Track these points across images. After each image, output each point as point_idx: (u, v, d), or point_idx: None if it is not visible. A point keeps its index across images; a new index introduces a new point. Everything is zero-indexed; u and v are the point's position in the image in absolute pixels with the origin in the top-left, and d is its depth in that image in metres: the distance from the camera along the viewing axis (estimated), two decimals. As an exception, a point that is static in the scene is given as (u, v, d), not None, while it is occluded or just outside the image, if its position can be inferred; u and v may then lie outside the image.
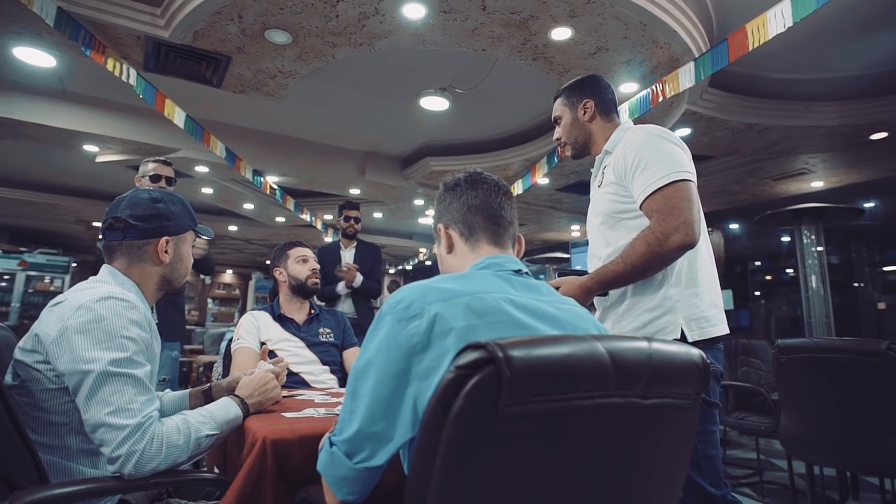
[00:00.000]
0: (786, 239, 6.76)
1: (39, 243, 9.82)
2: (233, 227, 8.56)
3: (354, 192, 6.40)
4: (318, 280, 2.18)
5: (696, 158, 5.23)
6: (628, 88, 3.81)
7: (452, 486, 0.57)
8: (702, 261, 1.48)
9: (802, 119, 4.17)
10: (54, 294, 6.99)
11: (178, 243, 1.29)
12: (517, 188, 5.54)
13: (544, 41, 3.25)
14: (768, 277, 7.29)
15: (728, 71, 3.78)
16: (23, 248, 9.34)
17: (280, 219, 7.92)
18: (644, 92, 3.57)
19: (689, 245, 1.34)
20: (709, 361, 0.72)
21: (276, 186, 5.92)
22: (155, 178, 2.61)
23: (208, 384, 1.49)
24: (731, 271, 7.28)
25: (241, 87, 3.94)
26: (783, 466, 4.35)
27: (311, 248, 2.27)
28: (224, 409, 1.20)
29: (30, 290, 8.73)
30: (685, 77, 3.27)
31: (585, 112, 1.62)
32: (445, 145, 5.55)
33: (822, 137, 4.45)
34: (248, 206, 7.26)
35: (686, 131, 4.33)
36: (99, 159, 5.47)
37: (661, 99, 3.45)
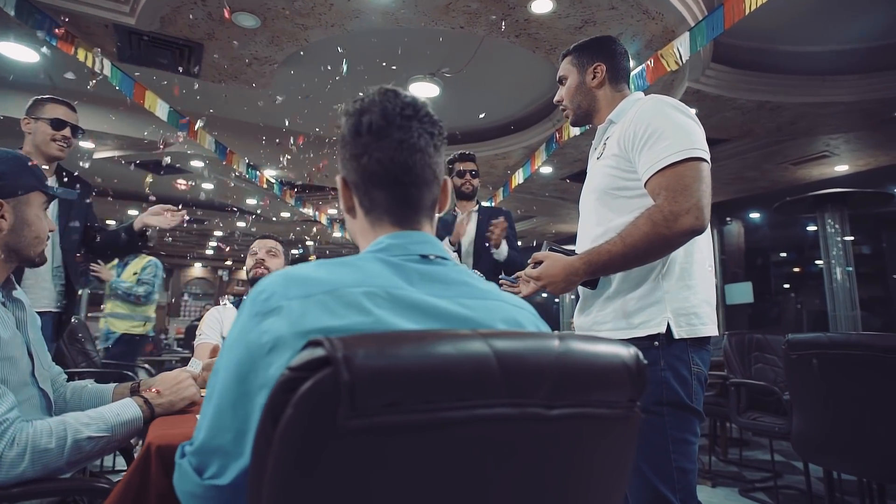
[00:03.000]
0: (812, 228, 6.39)
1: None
2: (241, 224, 8.56)
3: (355, 185, 6.26)
4: (261, 271, 2.05)
5: (708, 142, 5.01)
6: (623, 66, 3.56)
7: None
8: (699, 252, 1.32)
9: (818, 95, 3.85)
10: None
11: (18, 206, 1.15)
12: (518, 178, 5.34)
13: (525, 15, 3.04)
14: (796, 269, 6.92)
15: (733, 45, 3.51)
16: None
17: (285, 214, 7.88)
18: (639, 68, 3.34)
19: (699, 230, 1.19)
20: (645, 362, 0.60)
21: (273, 180, 5.84)
22: (58, 125, 2.06)
23: (138, 381, 1.37)
24: (752, 263, 6.92)
25: (220, 76, 3.84)
26: (802, 469, 4.04)
27: (276, 241, 2.17)
28: (119, 410, 1.08)
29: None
30: (681, 49, 3.03)
31: (595, 76, 1.44)
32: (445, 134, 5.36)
33: (842, 115, 4.11)
34: (252, 202, 7.22)
35: (691, 112, 4.05)
36: (96, 156, 5.46)
37: (657, 74, 3.21)
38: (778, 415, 3.66)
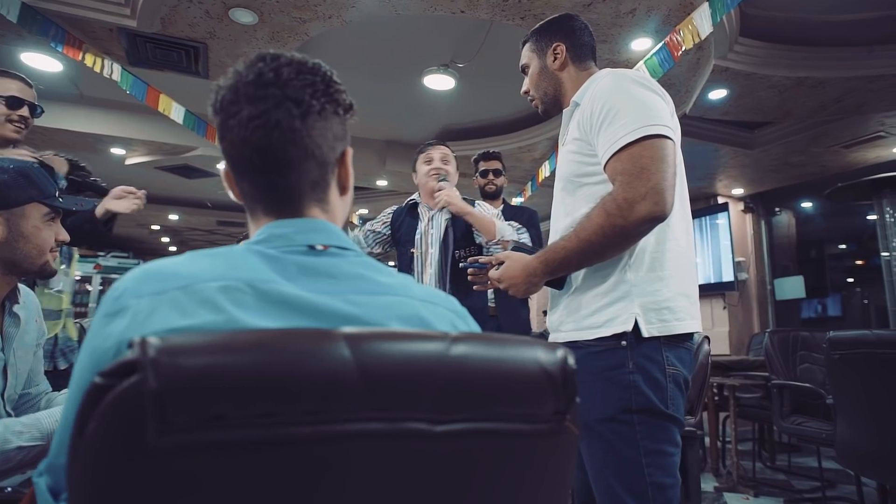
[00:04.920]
0: (874, 217, 5.88)
1: (112, 248, 10.49)
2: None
3: (381, 183, 6.24)
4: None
5: (746, 126, 4.67)
6: (641, 45, 3.33)
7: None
8: (673, 239, 1.19)
9: (865, 67, 3.48)
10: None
11: (12, 219, 1.12)
12: (544, 171, 5.13)
13: (527, -6, 2.87)
14: (859, 262, 6.40)
15: (763, 17, 3.22)
16: (100, 253, 10.02)
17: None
18: (660, 45, 3.10)
19: (659, 217, 1.07)
20: (573, 367, 0.51)
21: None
22: (14, 104, 1.85)
23: None
24: (805, 256, 6.43)
25: (229, 76, 3.84)
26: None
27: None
28: (60, 415, 1.05)
29: (105, 291, 9.34)
30: (701, 21, 2.79)
31: (555, 58, 1.35)
32: (464, 128, 5.24)
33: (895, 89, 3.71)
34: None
35: (722, 93, 3.76)
36: (127, 162, 5.63)
37: (680, 51, 2.97)
38: (826, 419, 3.36)
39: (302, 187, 0.64)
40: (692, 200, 5.54)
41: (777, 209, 6.35)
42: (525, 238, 2.15)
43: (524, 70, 1.43)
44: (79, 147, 5.23)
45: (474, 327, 0.69)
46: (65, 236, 1.24)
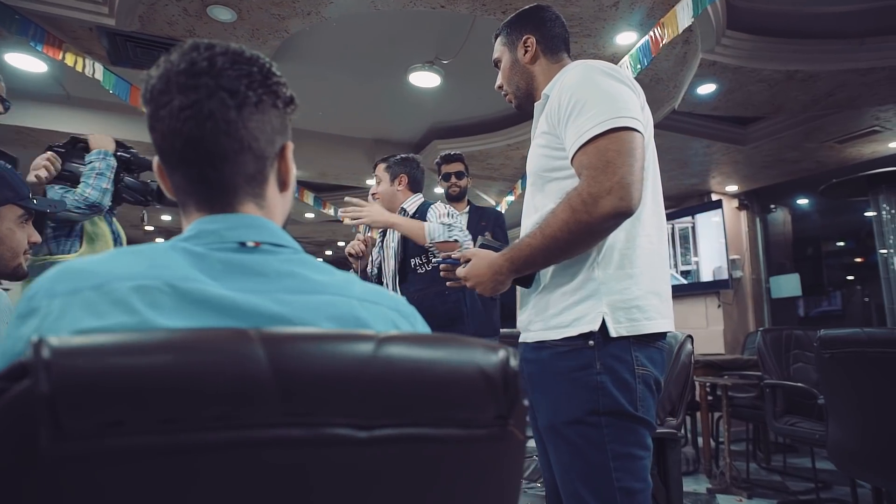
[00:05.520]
0: (872, 213, 5.81)
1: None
2: (271, 227, 8.63)
3: (371, 182, 6.17)
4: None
5: (737, 121, 4.60)
6: (626, 39, 3.28)
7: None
8: (644, 236, 1.17)
9: (857, 60, 3.41)
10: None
11: None
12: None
13: (506, -12, 2.82)
14: (858, 259, 6.33)
15: (751, 9, 3.17)
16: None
17: (309, 215, 7.89)
18: (643, 40, 3.05)
19: (625, 212, 1.04)
20: (515, 369, 0.49)
21: (288, 181, 5.81)
22: None
23: None
24: (801, 253, 6.37)
25: (212, 74, 3.80)
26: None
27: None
28: None
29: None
30: (683, 14, 2.74)
31: (526, 51, 1.33)
32: (453, 126, 5.19)
33: (890, 82, 3.64)
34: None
35: (711, 87, 3.70)
36: (117, 163, 5.59)
37: (661, 43, 2.93)
38: (819, 420, 3.32)
39: (236, 181, 0.61)
40: (684, 198, 5.47)
41: (772, 206, 6.29)
42: (460, 234, 2.11)
43: (496, 64, 1.41)
44: (66, 148, 5.19)
45: (421, 328, 0.66)
46: (37, 238, 1.24)
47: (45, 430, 0.36)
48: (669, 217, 6.17)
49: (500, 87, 1.41)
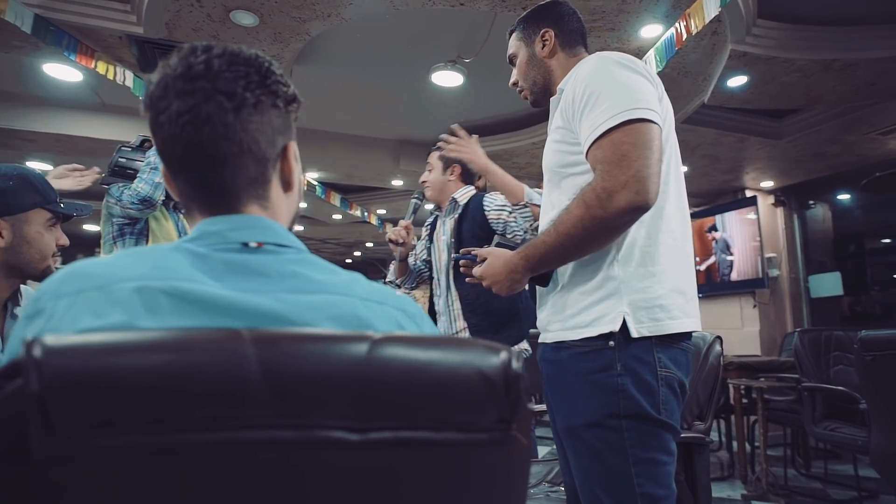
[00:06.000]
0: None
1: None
2: (299, 228, 8.79)
3: (396, 183, 6.21)
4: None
5: (772, 114, 4.44)
6: (651, 32, 3.19)
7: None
8: (668, 232, 1.13)
9: (899, 47, 3.25)
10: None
11: (16, 224, 1.17)
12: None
13: (526, -17, 2.78)
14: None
15: (783, -4, 3.05)
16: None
17: (337, 216, 7.97)
18: (669, 32, 2.97)
19: (641, 207, 1.01)
20: (518, 371, 0.47)
21: (315, 182, 5.88)
22: None
23: None
24: (843, 251, 6.11)
25: (237, 79, 3.86)
26: None
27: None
28: None
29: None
30: (710, 3, 2.65)
31: (544, 45, 1.31)
32: (477, 125, 5.13)
33: (935, 69, 3.46)
34: (302, 205, 7.35)
35: (742, 79, 3.57)
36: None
37: (685, 37, 2.84)
38: (862, 425, 3.18)
39: (238, 184, 0.61)
40: (717, 195, 5.32)
41: (811, 202, 6.05)
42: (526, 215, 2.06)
43: (511, 61, 1.39)
44: (103, 154, 5.34)
45: (427, 329, 0.64)
46: (65, 241, 1.27)
47: (35, 430, 0.36)
48: (700, 215, 6.00)
49: (515, 84, 1.40)
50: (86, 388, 0.37)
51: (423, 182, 2.26)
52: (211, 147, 0.59)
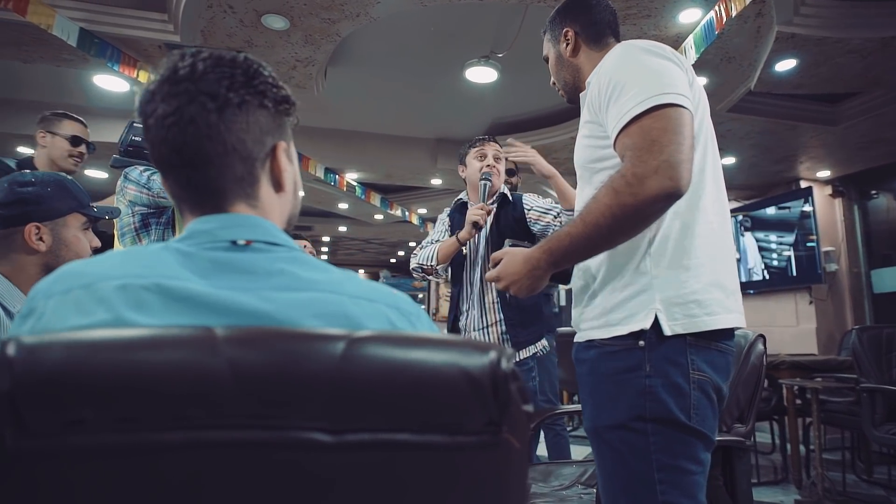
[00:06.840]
0: None
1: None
2: (342, 228, 8.93)
3: (436, 182, 6.23)
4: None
5: (826, 99, 4.20)
6: (690, 17, 3.06)
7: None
8: (705, 223, 1.08)
9: (968, 20, 3.00)
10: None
11: (55, 228, 1.21)
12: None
13: (557, -28, 2.71)
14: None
15: (834, -29, 2.86)
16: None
17: (378, 216, 8.05)
18: (708, 16, 2.84)
19: (673, 193, 0.94)
20: (507, 371, 0.46)
21: (354, 183, 5.95)
22: (75, 142, 2.30)
23: None
24: (908, 243, 5.70)
25: (273, 82, 3.94)
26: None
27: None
28: None
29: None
30: (751, -16, 2.52)
31: (567, 44, 1.28)
32: (514, 121, 5.10)
33: None
34: (343, 206, 7.47)
35: (791, 63, 3.38)
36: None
37: (725, 20, 2.71)
38: (927, 428, 2.95)
39: (224, 183, 0.62)
40: (769, 187, 5.07)
41: (873, 192, 5.67)
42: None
43: (547, 61, 1.37)
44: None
45: (423, 328, 0.63)
46: (97, 243, 1.32)
47: (7, 427, 0.37)
48: (751, 207, 5.73)
49: (554, 84, 1.38)
50: (56, 386, 0.38)
51: (493, 167, 2.22)
52: (195, 147, 0.59)
